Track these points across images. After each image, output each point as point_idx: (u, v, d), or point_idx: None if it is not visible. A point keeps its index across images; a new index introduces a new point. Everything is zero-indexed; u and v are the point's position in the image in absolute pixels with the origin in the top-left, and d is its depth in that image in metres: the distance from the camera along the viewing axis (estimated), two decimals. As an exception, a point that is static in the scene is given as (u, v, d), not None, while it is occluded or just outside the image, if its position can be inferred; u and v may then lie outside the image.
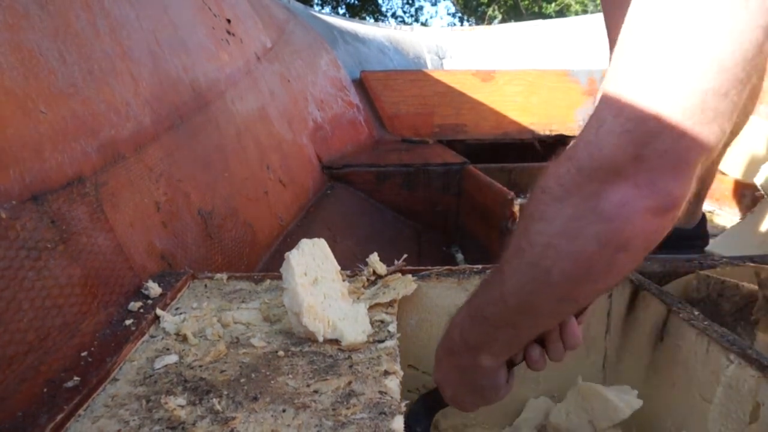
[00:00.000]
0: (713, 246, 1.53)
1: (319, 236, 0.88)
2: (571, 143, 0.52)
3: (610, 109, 0.48)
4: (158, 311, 0.83)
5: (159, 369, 0.70)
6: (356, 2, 13.94)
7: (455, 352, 0.69)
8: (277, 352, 0.74)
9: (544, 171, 0.54)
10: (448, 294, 0.97)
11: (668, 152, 0.45)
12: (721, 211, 2.22)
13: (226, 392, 0.65)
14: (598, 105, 0.50)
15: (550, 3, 12.54)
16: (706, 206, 2.05)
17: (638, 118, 0.46)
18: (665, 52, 0.45)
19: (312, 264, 0.82)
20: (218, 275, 0.99)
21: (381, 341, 0.77)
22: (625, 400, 0.86)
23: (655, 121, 0.45)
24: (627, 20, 0.49)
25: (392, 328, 0.81)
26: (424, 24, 15.46)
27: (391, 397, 0.63)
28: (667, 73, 0.45)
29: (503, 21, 13.09)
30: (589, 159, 0.49)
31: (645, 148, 0.46)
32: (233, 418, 0.59)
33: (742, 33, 0.42)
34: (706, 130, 0.45)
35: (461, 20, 15.24)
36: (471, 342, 0.66)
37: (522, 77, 3.90)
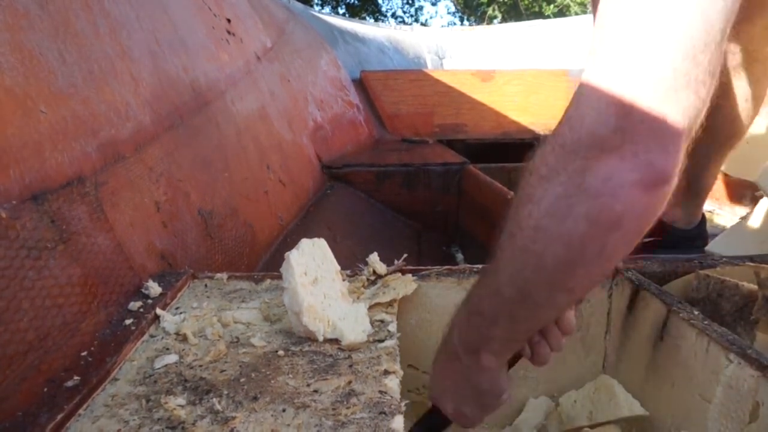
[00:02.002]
0: (713, 246, 1.53)
1: (319, 236, 0.88)
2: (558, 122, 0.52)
3: (588, 86, 0.48)
4: (158, 311, 0.83)
5: (159, 369, 0.70)
6: (356, 2, 13.94)
7: (454, 357, 0.66)
8: (277, 351, 0.74)
9: (532, 153, 0.54)
10: (448, 294, 0.98)
11: (646, 121, 0.45)
12: (721, 211, 2.22)
13: (226, 392, 0.65)
14: (578, 84, 0.50)
15: (550, 4, 12.54)
16: (706, 206, 2.05)
17: (615, 89, 0.46)
18: (633, 24, 0.46)
19: (312, 264, 0.82)
20: (218, 275, 0.99)
21: (381, 341, 0.77)
22: (629, 402, 0.87)
23: (630, 90, 0.45)
24: (599, 7, 0.50)
25: (392, 327, 0.81)
26: (424, 24, 15.47)
27: (391, 397, 0.63)
28: (637, 43, 0.46)
29: (503, 21, 13.09)
30: (571, 134, 0.48)
31: (625, 120, 0.46)
32: (233, 418, 0.59)
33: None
34: (681, 96, 0.45)
35: (461, 20, 15.24)
36: (470, 342, 0.64)
37: (522, 77, 3.90)
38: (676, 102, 0.45)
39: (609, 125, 0.46)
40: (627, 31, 0.47)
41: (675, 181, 0.48)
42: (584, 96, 0.48)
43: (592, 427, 0.90)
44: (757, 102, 1.08)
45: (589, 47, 0.51)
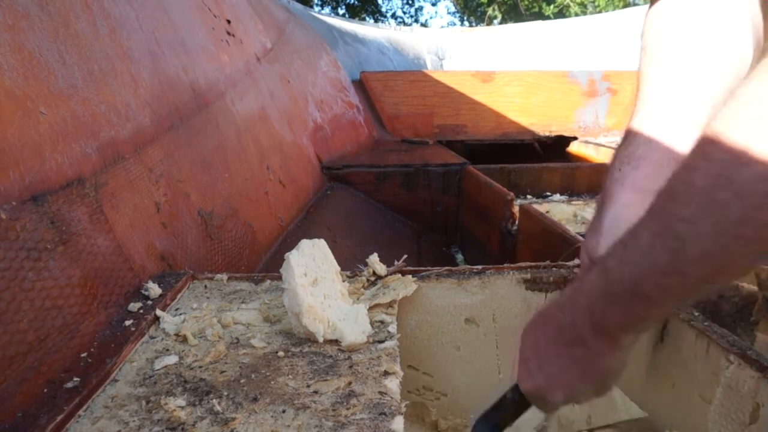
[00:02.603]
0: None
1: (319, 236, 0.88)
2: None
3: None
4: (158, 312, 0.83)
5: (159, 370, 0.70)
6: (356, 3, 13.96)
7: (577, 341, 0.58)
8: (277, 352, 0.74)
9: (732, 98, 0.42)
10: (447, 294, 0.97)
11: None
12: (721, 212, 2.21)
13: (226, 393, 0.65)
14: None
15: (550, 4, 12.55)
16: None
17: None
18: None
19: (312, 264, 0.82)
20: (218, 276, 0.99)
21: (381, 341, 0.77)
22: (627, 405, 0.87)
23: None
24: None
25: (392, 328, 0.81)
26: (424, 24, 15.48)
27: (391, 398, 0.63)
28: None
29: (503, 21, 13.10)
30: None
31: None
32: (233, 419, 0.59)
33: None
34: None
35: (461, 20, 15.26)
36: (612, 324, 0.55)
37: (522, 78, 3.90)
38: None
39: None
40: None
41: None
42: None
43: (590, 431, 0.90)
44: None
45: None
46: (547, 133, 3.87)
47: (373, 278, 0.96)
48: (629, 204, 0.65)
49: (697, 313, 0.84)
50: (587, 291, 0.56)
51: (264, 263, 1.50)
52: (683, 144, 0.65)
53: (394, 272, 0.97)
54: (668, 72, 0.69)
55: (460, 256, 2.63)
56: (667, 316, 0.58)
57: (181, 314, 0.85)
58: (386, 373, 0.68)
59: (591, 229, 0.69)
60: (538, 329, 0.64)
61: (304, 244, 0.83)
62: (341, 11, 13.42)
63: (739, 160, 0.40)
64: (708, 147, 0.43)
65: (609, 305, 0.54)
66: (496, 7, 13.50)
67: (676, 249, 0.45)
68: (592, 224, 0.69)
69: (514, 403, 0.70)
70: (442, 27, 14.15)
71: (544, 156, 3.71)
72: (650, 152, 0.66)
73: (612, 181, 0.68)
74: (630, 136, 0.69)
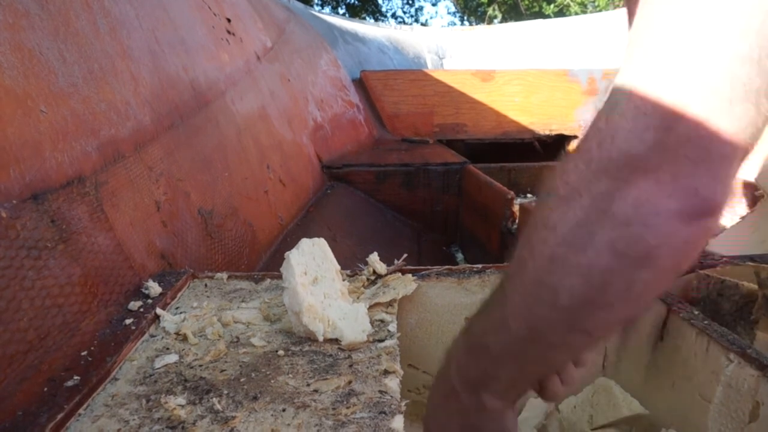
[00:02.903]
0: (713, 246, 1.53)
1: (319, 236, 0.88)
2: (581, 135, 0.44)
3: (622, 92, 0.41)
4: (158, 310, 0.83)
5: (159, 368, 0.70)
6: (356, 2, 13.95)
7: (452, 394, 0.57)
8: (277, 351, 0.74)
9: (552, 171, 0.45)
10: (447, 293, 0.98)
11: (693, 138, 0.38)
12: (721, 211, 2.21)
13: (226, 392, 0.65)
14: (609, 92, 0.43)
15: (550, 4, 12.55)
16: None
17: (656, 97, 0.39)
18: (682, 18, 0.39)
19: (312, 263, 0.82)
20: (218, 274, 0.99)
21: (381, 340, 0.77)
22: (628, 401, 0.87)
23: (675, 99, 0.38)
24: (639, 6, 0.42)
25: (392, 327, 0.81)
26: (424, 24, 15.47)
27: (391, 397, 0.63)
28: (686, 43, 0.38)
29: (503, 21, 13.10)
30: (599, 150, 0.41)
31: (666, 134, 0.38)
32: (233, 418, 0.59)
33: None
34: (738, 110, 0.37)
35: (461, 20, 15.25)
36: (471, 379, 0.55)
37: (522, 77, 3.90)
38: (730, 116, 0.38)
39: (646, 141, 0.39)
40: (674, 27, 0.39)
41: (722, 212, 0.40)
42: (617, 105, 0.41)
43: (593, 431, 0.90)
44: None
45: (625, 45, 0.43)
46: (547, 132, 3.87)
47: (373, 277, 0.96)
48: None
49: (696, 312, 0.84)
50: (458, 342, 0.57)
51: (264, 262, 1.50)
52: None
53: (394, 271, 0.97)
54: None
55: (460, 255, 2.63)
56: (526, 387, 0.56)
57: (181, 313, 0.85)
58: (386, 372, 0.68)
59: None
60: (434, 382, 0.62)
61: (304, 243, 0.83)
62: (341, 10, 13.42)
63: (537, 223, 0.45)
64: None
65: (467, 357, 0.55)
66: (496, 7, 13.49)
67: (503, 304, 0.48)
68: None
69: None
70: (442, 27, 14.14)
71: (545, 155, 3.71)
72: None
73: None
74: None
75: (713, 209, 0.39)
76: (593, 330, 0.45)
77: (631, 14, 0.78)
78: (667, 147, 0.38)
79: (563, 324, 0.45)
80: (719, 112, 0.38)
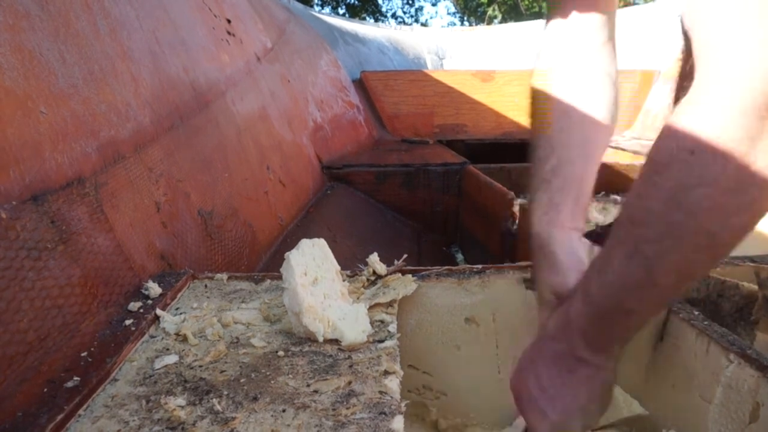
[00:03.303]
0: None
1: (319, 236, 0.88)
2: (691, 93, 0.48)
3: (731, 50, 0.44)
4: (158, 311, 0.83)
5: (159, 369, 0.70)
6: (356, 2, 13.96)
7: (579, 362, 0.63)
8: (277, 352, 0.74)
9: (666, 133, 0.49)
10: (447, 294, 0.97)
11: None
12: (721, 211, 2.21)
13: (226, 392, 0.65)
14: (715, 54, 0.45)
15: (550, 3, 12.51)
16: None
17: None
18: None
19: (312, 264, 0.82)
20: (218, 275, 0.99)
21: (381, 341, 0.77)
22: (628, 402, 0.87)
23: None
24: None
25: (392, 328, 0.81)
26: (424, 24, 15.48)
27: (391, 397, 0.63)
28: None
29: (503, 21, 13.10)
30: (741, 98, 0.44)
31: None
32: (233, 419, 0.59)
33: None
34: None
35: (461, 20, 15.25)
36: (604, 340, 0.61)
37: (522, 77, 3.90)
38: None
39: None
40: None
41: None
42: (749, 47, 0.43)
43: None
44: None
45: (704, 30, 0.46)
46: (547, 133, 3.87)
47: (373, 278, 0.96)
48: (572, 239, 0.73)
49: (697, 312, 0.84)
50: (576, 318, 0.62)
51: (264, 263, 1.50)
52: (588, 187, 0.77)
53: (394, 272, 0.97)
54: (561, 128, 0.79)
55: (460, 256, 2.63)
56: (651, 322, 0.65)
57: (181, 314, 0.85)
58: (386, 373, 0.68)
59: (548, 268, 0.73)
60: (535, 370, 0.67)
61: (304, 243, 0.83)
62: (341, 11, 13.42)
63: (684, 185, 0.48)
64: (655, 177, 0.50)
65: (600, 325, 0.60)
66: (496, 7, 13.49)
67: (647, 266, 0.52)
68: (545, 264, 0.74)
69: None
70: (442, 27, 14.15)
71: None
72: (566, 198, 0.76)
73: (543, 224, 0.75)
74: (545, 182, 0.77)
75: None
76: (735, 236, 0.50)
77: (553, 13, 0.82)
78: None
79: (716, 258, 0.51)
80: None
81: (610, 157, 2.84)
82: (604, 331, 0.61)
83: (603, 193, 2.26)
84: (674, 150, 0.48)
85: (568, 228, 0.73)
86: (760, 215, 0.48)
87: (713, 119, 0.45)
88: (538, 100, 0.82)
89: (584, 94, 0.78)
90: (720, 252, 0.50)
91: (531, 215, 0.77)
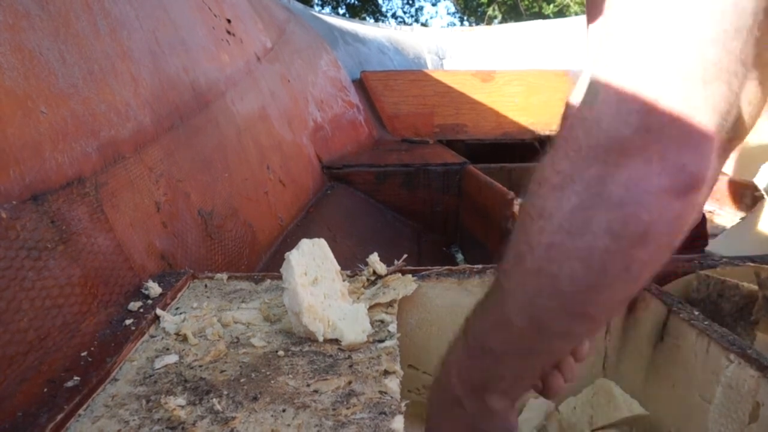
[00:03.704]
0: (713, 246, 1.54)
1: (319, 236, 0.88)
2: (566, 125, 0.45)
3: (601, 83, 0.43)
4: (158, 311, 0.83)
5: (159, 369, 0.70)
6: (356, 2, 13.95)
7: (454, 403, 0.57)
8: (277, 351, 0.74)
9: (539, 163, 0.47)
10: (448, 294, 0.97)
11: (674, 119, 0.40)
12: (721, 211, 2.22)
13: (226, 392, 0.65)
14: (589, 84, 0.45)
15: (549, 4, 12.55)
16: (706, 206, 2.06)
17: (634, 84, 0.41)
18: (652, 7, 0.41)
19: (312, 264, 0.82)
20: (218, 275, 0.99)
21: (381, 341, 0.77)
22: (628, 402, 0.87)
23: (653, 84, 0.41)
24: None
25: (392, 328, 0.81)
26: (424, 24, 15.48)
27: (391, 397, 0.63)
28: (657, 31, 0.41)
29: (503, 21, 13.10)
30: (586, 137, 0.42)
31: (648, 117, 0.40)
32: (233, 418, 0.59)
33: None
34: (711, 89, 0.40)
35: (461, 20, 15.25)
36: (475, 382, 0.55)
37: (522, 77, 3.90)
38: (704, 95, 0.40)
39: (630, 125, 0.41)
40: (645, 17, 0.42)
41: (708, 185, 0.42)
42: (599, 94, 0.43)
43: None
44: (762, 105, 1.07)
45: (596, 40, 0.46)
46: (547, 133, 3.87)
47: (373, 278, 0.96)
48: None
49: (697, 312, 0.84)
50: (456, 349, 0.57)
51: (264, 263, 1.50)
52: None
53: (394, 272, 0.97)
54: None
55: (460, 256, 2.63)
56: (530, 382, 0.57)
57: (181, 313, 0.85)
58: (386, 373, 0.68)
59: None
60: (431, 394, 0.63)
61: (304, 243, 0.83)
62: (341, 11, 13.42)
63: (530, 215, 0.46)
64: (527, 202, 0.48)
65: (469, 361, 0.55)
66: (496, 7, 13.50)
67: (502, 301, 0.49)
68: None
69: None
70: (442, 27, 14.15)
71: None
72: None
73: None
74: None
75: (700, 183, 0.41)
76: (595, 313, 0.46)
77: (589, 13, 0.78)
78: (651, 128, 0.40)
79: (566, 311, 0.46)
80: (695, 92, 0.40)
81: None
82: (472, 370, 0.55)
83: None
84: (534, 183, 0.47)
85: None
86: (605, 279, 0.43)
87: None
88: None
89: None
90: (570, 307, 0.45)
91: None
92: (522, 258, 0.47)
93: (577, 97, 0.77)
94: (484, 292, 0.54)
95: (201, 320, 0.82)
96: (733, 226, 1.79)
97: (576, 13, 11.70)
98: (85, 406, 0.62)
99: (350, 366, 0.70)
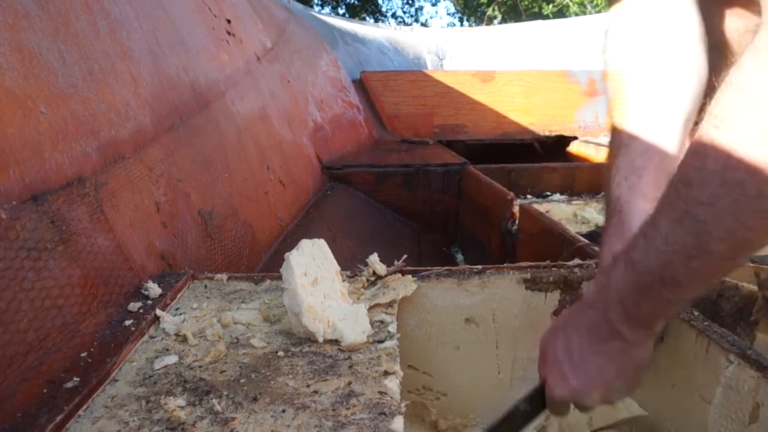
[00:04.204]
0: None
1: (319, 236, 0.88)
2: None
3: None
4: (158, 312, 0.83)
5: (159, 369, 0.70)
6: (356, 2, 13.95)
7: (613, 334, 0.59)
8: (276, 352, 0.74)
9: (728, 84, 0.44)
10: (447, 294, 0.97)
11: None
12: (721, 212, 2.21)
13: (225, 393, 0.65)
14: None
15: (549, 4, 12.55)
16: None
17: None
18: None
19: (312, 264, 0.82)
20: (218, 275, 0.99)
21: (381, 341, 0.77)
22: (627, 403, 0.87)
23: None
24: None
25: (392, 328, 0.81)
26: (424, 24, 15.48)
27: (391, 398, 0.63)
28: None
29: (503, 21, 13.10)
30: None
31: None
32: (233, 419, 0.59)
33: None
34: None
35: (461, 20, 15.25)
36: (644, 314, 0.56)
37: (522, 78, 3.90)
38: None
39: None
40: None
41: None
42: None
43: None
44: None
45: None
46: (547, 133, 3.87)
47: (373, 278, 0.96)
48: (649, 210, 0.69)
49: (697, 313, 0.84)
50: (616, 286, 0.58)
51: (264, 263, 1.50)
52: (674, 150, 0.69)
53: (394, 272, 0.97)
54: (645, 88, 0.73)
55: (460, 256, 2.63)
56: (697, 298, 0.59)
57: (181, 314, 0.85)
58: (386, 373, 0.68)
59: (617, 235, 0.69)
60: (566, 333, 0.64)
61: (304, 243, 0.83)
62: (341, 11, 13.43)
63: (746, 140, 0.42)
64: (714, 132, 0.45)
65: (641, 296, 0.55)
66: (495, 7, 13.50)
67: (699, 231, 0.47)
68: (615, 230, 0.69)
69: (525, 414, 0.70)
70: (442, 27, 14.17)
71: (545, 156, 3.71)
72: (648, 162, 0.69)
73: (623, 189, 0.70)
74: (624, 146, 0.72)
75: None
76: None
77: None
78: None
79: None
80: None
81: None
82: (644, 304, 0.56)
83: (603, 193, 2.26)
84: (738, 100, 0.44)
85: (650, 197, 0.68)
86: None
87: None
88: (615, 81, 0.76)
89: (668, 55, 0.71)
90: None
91: (608, 181, 0.72)
92: (737, 186, 0.44)
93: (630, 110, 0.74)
94: (646, 226, 0.54)
95: (201, 321, 0.82)
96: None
97: (575, 14, 11.70)
98: (84, 407, 0.62)
99: (350, 366, 0.70)
